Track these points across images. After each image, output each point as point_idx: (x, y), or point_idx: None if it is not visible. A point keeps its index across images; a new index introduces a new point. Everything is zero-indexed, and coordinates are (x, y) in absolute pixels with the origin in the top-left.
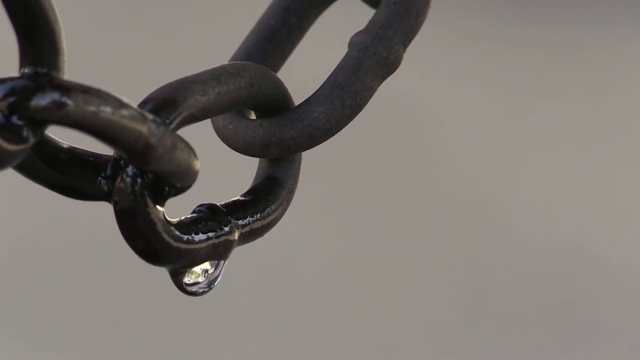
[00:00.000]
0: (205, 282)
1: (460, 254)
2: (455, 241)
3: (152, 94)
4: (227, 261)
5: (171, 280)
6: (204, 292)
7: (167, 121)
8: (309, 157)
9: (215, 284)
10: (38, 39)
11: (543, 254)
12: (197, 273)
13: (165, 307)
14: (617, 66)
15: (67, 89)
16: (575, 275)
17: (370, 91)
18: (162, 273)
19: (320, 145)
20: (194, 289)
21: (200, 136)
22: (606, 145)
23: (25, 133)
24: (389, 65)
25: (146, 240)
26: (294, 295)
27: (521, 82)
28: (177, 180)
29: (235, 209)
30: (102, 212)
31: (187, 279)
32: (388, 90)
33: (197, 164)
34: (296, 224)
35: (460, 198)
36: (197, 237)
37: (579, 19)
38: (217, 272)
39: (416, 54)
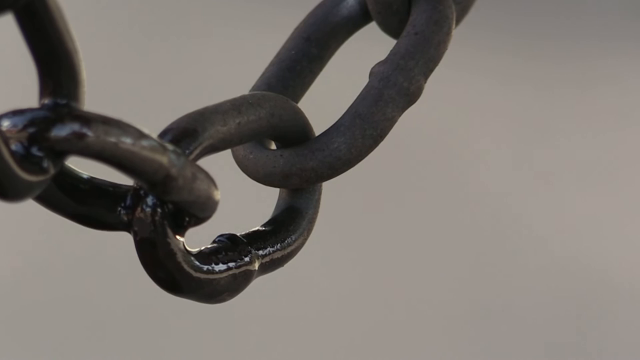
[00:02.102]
0: None
1: (483, 276)
2: (478, 264)
3: (172, 124)
4: None
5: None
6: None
7: (188, 152)
8: (329, 188)
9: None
10: (57, 70)
11: (566, 276)
12: None
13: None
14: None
15: (87, 119)
16: (599, 299)
17: (391, 121)
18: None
19: (342, 175)
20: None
21: (221, 166)
22: (629, 173)
23: (45, 164)
24: (410, 96)
25: (166, 270)
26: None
27: (546, 114)
28: (197, 210)
29: (255, 239)
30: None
31: None
32: (412, 121)
33: (217, 195)
34: (319, 253)
35: (487, 224)
36: (217, 267)
37: (600, 52)
38: None
39: (441, 87)
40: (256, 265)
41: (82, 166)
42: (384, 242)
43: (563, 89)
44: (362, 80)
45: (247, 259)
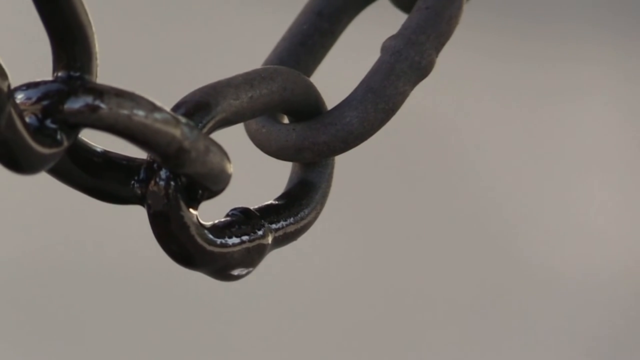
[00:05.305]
0: None
1: (474, 245)
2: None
3: (185, 97)
4: None
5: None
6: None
7: (200, 125)
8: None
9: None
10: (71, 42)
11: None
12: None
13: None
14: None
15: (101, 92)
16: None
17: (403, 95)
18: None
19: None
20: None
21: (233, 140)
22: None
23: (58, 136)
24: (422, 70)
25: (179, 243)
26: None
27: (543, 95)
28: (210, 183)
29: (268, 213)
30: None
31: None
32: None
33: (230, 168)
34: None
35: (473, 206)
36: (230, 241)
37: (596, 33)
38: None
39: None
40: (269, 239)
41: (97, 140)
42: (371, 213)
43: (553, 65)
44: (373, 55)
45: (260, 232)
